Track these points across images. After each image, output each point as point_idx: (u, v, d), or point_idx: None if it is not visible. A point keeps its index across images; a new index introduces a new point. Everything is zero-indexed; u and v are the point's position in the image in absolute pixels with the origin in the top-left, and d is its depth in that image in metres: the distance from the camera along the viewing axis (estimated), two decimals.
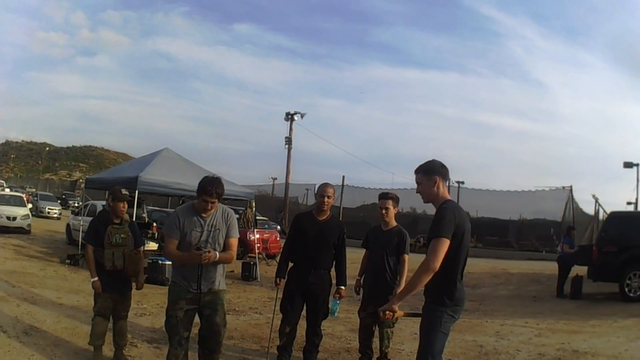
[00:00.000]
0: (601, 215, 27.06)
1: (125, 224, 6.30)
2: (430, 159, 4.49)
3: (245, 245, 19.25)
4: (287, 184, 38.87)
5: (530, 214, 31.50)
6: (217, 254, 5.25)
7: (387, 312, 4.26)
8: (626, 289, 12.58)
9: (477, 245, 27.69)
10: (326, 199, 6.59)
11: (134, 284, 6.56)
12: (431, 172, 4.37)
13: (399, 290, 4.22)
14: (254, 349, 6.74)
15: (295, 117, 39.55)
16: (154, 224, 16.87)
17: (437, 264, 4.05)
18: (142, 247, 6.61)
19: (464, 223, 4.27)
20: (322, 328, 7.06)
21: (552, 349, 7.73)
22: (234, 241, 5.58)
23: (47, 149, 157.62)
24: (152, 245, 15.18)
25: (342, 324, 9.45)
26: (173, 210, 5.50)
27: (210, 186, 5.17)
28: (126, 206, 6.34)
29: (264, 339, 7.24)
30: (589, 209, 30.38)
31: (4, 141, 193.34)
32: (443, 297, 4.24)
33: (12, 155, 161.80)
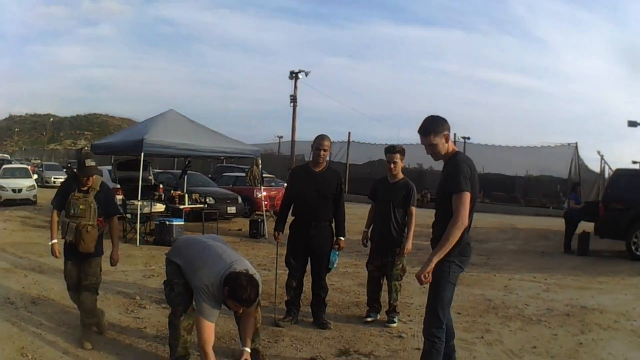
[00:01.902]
0: (607, 173, 27.03)
1: (91, 192, 5.71)
2: (428, 116, 4.46)
3: (252, 203, 19.38)
4: (293, 141, 39.02)
5: (536, 171, 31.44)
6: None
7: (425, 275, 4.17)
8: (633, 247, 12.59)
9: (484, 200, 27.62)
10: (322, 152, 6.56)
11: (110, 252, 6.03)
12: (441, 129, 4.34)
13: (434, 251, 4.13)
14: (264, 306, 6.71)
15: (300, 76, 39.15)
16: (161, 186, 16.88)
17: (467, 217, 4.12)
18: (114, 217, 6.05)
19: (474, 175, 4.28)
20: (330, 283, 7.09)
21: (561, 305, 7.74)
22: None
23: (51, 119, 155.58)
24: (159, 207, 15.26)
25: (350, 278, 9.52)
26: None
27: (244, 294, 4.47)
28: (94, 181, 5.74)
29: (272, 295, 7.26)
30: (595, 167, 30.39)
31: (7, 116, 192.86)
32: (452, 248, 4.19)
33: (16, 129, 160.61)
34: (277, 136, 44.18)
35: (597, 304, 7.81)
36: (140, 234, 13.13)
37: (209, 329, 4.61)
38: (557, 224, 16.73)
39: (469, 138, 32.38)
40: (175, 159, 21.98)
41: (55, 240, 5.85)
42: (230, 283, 4.45)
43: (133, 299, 7.69)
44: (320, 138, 6.60)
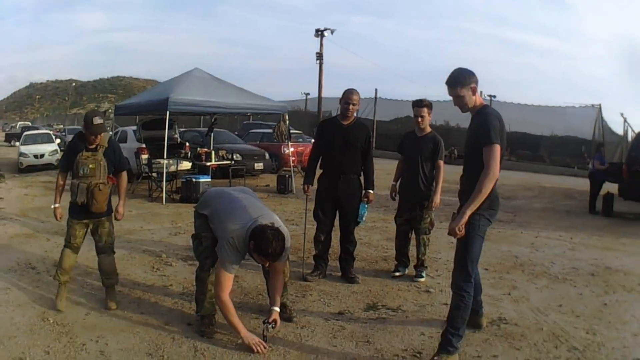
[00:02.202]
0: (630, 136, 26.65)
1: (100, 150, 5.56)
2: (456, 68, 4.41)
3: (279, 159, 19.43)
4: (319, 98, 38.91)
5: (561, 131, 31.05)
6: None
7: (459, 227, 4.17)
8: None
9: (510, 158, 27.50)
10: (351, 106, 6.51)
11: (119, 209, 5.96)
12: (468, 81, 4.31)
13: (467, 203, 4.14)
14: (292, 260, 6.77)
15: (326, 34, 38.93)
16: (187, 144, 16.90)
17: (498, 169, 4.11)
18: (122, 173, 5.91)
19: (503, 129, 4.25)
20: (358, 237, 7.13)
21: (586, 264, 7.72)
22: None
23: (74, 84, 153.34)
24: (186, 165, 15.29)
25: (378, 232, 9.60)
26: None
27: (270, 248, 4.44)
28: (101, 139, 5.57)
29: (300, 250, 7.32)
30: (618, 129, 29.96)
31: (27, 84, 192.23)
32: None
33: (38, 96, 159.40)
34: (304, 93, 43.83)
35: (621, 265, 7.76)
36: (166, 193, 13.22)
37: (227, 279, 4.65)
38: (582, 184, 16.61)
39: (494, 96, 32.05)
40: (202, 118, 21.96)
41: (57, 204, 5.76)
42: (256, 237, 4.44)
43: (159, 257, 7.75)
44: (349, 92, 6.54)
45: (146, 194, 14.20)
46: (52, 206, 5.80)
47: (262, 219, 4.62)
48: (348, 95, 6.51)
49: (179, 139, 17.35)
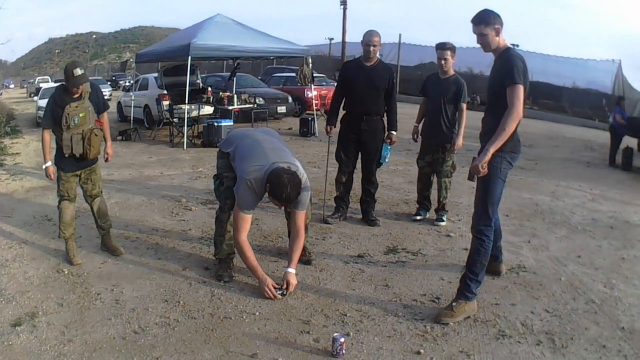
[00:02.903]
0: None
1: (85, 97, 5.50)
2: (482, 8, 4.37)
3: (302, 102, 19.49)
4: (343, 42, 38.71)
5: (583, 83, 30.78)
6: None
7: (483, 165, 4.13)
8: None
9: (532, 107, 27.39)
10: (372, 48, 6.43)
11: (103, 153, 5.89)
12: (493, 22, 4.26)
13: (491, 141, 4.10)
14: (313, 202, 6.81)
15: None
16: (209, 89, 16.90)
17: (521, 109, 4.09)
18: (104, 113, 5.85)
19: (526, 72, 4.21)
20: (380, 180, 7.15)
21: (605, 216, 7.70)
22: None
23: (94, 36, 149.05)
24: (208, 110, 15.36)
25: (400, 175, 9.66)
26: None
27: (284, 192, 4.44)
28: (84, 86, 5.46)
29: (322, 192, 7.36)
30: (638, 86, 29.64)
31: (47, 40, 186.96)
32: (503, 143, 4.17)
33: (57, 50, 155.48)
34: (328, 38, 43.48)
35: None
36: (187, 138, 13.30)
37: (244, 220, 4.67)
38: (603, 136, 16.51)
39: (517, 45, 31.64)
40: (224, 63, 21.92)
41: (49, 163, 5.67)
42: (272, 180, 4.42)
43: (178, 202, 7.81)
44: (369, 34, 6.46)
45: (167, 139, 14.29)
46: (44, 166, 5.73)
47: (281, 163, 4.60)
48: (368, 38, 6.43)
49: (201, 84, 17.36)
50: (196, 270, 5.29)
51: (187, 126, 13.56)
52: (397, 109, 6.74)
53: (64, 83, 5.48)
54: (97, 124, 5.56)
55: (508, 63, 4.17)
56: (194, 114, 14.61)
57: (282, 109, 18.15)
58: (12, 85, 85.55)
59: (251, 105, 15.69)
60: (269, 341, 3.95)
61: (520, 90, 4.07)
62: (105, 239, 5.88)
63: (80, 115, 5.38)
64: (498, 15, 4.28)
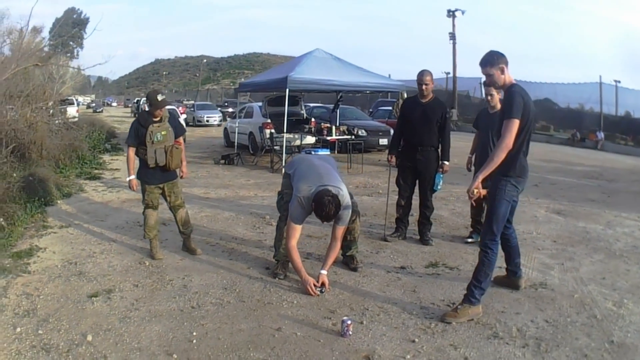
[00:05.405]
0: None
1: (164, 120, 6.50)
2: (488, 51, 4.92)
3: None
4: (454, 77, 39.98)
5: None
6: None
7: (474, 190, 4.84)
8: None
9: (627, 143, 27.09)
10: (424, 86, 7.32)
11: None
12: (497, 62, 4.81)
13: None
14: (376, 223, 7.77)
15: (457, 14, 40.25)
16: (313, 120, 17.87)
17: (512, 141, 4.64)
18: (183, 137, 6.87)
19: (530, 104, 4.82)
20: (451, 207, 7.87)
21: None
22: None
23: (205, 60, 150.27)
24: (310, 139, 16.48)
25: (462, 201, 10.16)
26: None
27: (324, 211, 5.38)
28: (164, 111, 6.53)
29: (385, 213, 8.19)
30: None
31: (153, 60, 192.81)
32: (508, 169, 4.85)
33: (165, 72, 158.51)
34: (444, 72, 43.59)
35: None
36: (285, 164, 14.21)
37: (294, 230, 5.61)
38: None
39: (619, 81, 31.10)
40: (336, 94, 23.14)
41: (133, 177, 6.63)
42: (316, 200, 5.34)
43: (262, 218, 8.73)
44: (421, 74, 7.38)
45: (268, 165, 15.42)
46: (128, 179, 6.74)
47: (329, 186, 5.48)
48: (420, 77, 7.37)
49: (304, 115, 18.42)
50: (258, 269, 6.29)
51: (286, 153, 14.58)
52: (450, 141, 7.53)
53: (145, 109, 6.56)
54: (176, 144, 6.59)
55: (508, 99, 4.77)
56: (297, 142, 15.62)
57: (383, 141, 18.63)
58: (114, 104, 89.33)
59: (348, 137, 16.57)
60: (295, 321, 4.87)
61: (514, 124, 4.63)
62: (186, 241, 6.92)
63: (162, 133, 6.42)
64: (502, 55, 4.91)
